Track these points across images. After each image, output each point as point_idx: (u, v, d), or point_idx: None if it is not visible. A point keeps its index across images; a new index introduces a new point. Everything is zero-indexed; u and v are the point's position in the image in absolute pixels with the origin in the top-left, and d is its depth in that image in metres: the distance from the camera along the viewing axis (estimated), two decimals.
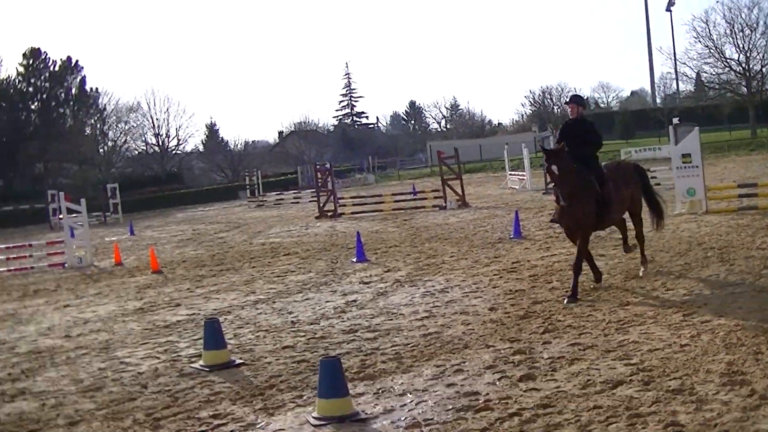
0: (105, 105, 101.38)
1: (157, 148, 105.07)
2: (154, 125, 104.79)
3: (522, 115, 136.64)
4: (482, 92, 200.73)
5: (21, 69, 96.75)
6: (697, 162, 25.39)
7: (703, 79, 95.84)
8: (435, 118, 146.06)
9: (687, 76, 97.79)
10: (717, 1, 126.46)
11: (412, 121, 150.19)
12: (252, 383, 10.79)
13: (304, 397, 9.77)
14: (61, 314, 18.43)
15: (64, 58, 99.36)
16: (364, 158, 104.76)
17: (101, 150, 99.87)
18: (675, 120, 30.49)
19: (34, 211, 67.22)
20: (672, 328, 11.43)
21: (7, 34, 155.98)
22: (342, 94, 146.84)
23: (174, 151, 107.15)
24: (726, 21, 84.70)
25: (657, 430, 7.58)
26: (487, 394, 9.18)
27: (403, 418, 8.68)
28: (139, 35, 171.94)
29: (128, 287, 21.86)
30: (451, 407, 8.85)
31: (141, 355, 13.18)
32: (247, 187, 76.03)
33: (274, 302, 17.03)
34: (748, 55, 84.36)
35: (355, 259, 22.17)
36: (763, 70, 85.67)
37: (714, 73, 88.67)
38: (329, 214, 41.29)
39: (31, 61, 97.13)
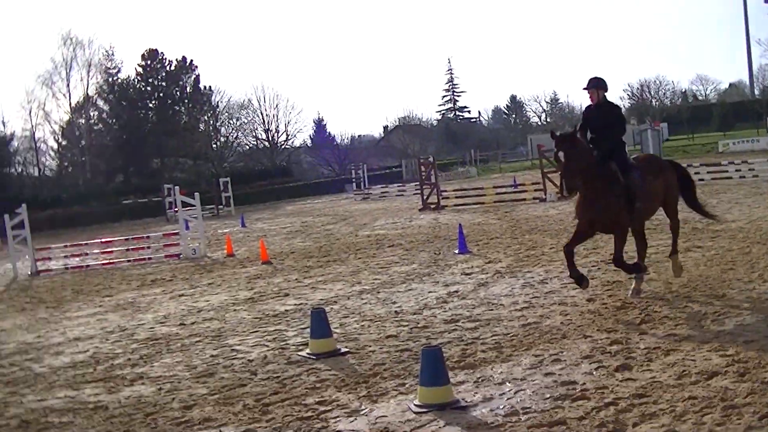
0: (218, 102, 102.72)
1: (267, 144, 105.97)
2: (264, 121, 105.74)
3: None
4: (582, 85, 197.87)
5: (140, 69, 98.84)
6: None
7: None
8: (535, 112, 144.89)
9: None
10: None
11: (513, 115, 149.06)
12: (356, 371, 10.86)
13: (407, 385, 9.79)
14: (176, 303, 18.77)
15: (180, 58, 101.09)
16: (466, 152, 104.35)
17: (214, 145, 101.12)
18: None
19: (152, 204, 68.65)
20: None
21: (127, 37, 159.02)
22: (445, 89, 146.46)
23: (283, 146, 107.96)
24: None
25: (752, 421, 7.44)
26: (584, 383, 9.11)
27: (501, 406, 8.67)
28: (250, 35, 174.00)
29: (239, 278, 22.15)
30: (548, 396, 8.80)
31: (251, 343, 13.36)
32: (353, 180, 76.49)
33: (379, 293, 17.09)
34: None
35: (457, 251, 22.11)
36: None
37: None
38: (432, 206, 41.28)
39: (149, 62, 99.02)
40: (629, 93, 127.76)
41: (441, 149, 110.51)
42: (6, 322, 19.06)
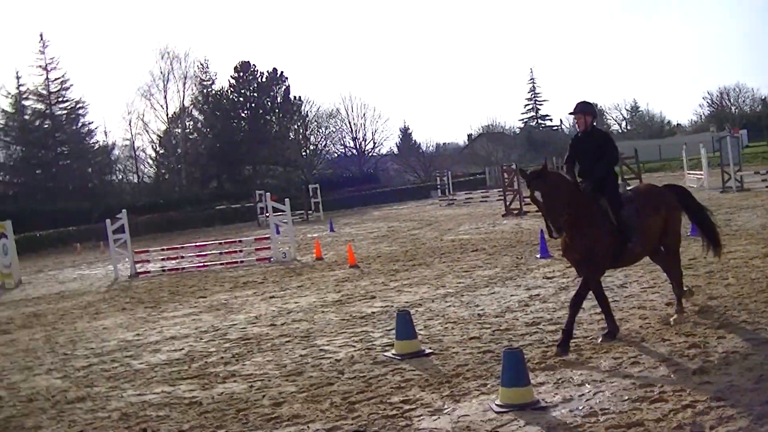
0: (307, 112, 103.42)
1: (354, 151, 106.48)
2: (351, 130, 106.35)
3: (700, 116, 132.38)
4: (661, 94, 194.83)
5: (233, 81, 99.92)
6: None
7: None
8: (615, 120, 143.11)
9: None
10: None
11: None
12: (440, 371, 10.88)
13: (488, 386, 9.79)
14: (267, 304, 18.97)
15: (270, 70, 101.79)
16: (548, 159, 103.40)
17: (304, 153, 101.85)
18: None
19: (244, 210, 69.33)
20: None
21: (220, 50, 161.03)
22: (527, 98, 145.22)
23: (370, 154, 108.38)
24: None
25: None
26: (662, 386, 9.01)
27: (581, 407, 8.62)
28: (338, 47, 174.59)
29: (327, 280, 22.30)
30: (627, 398, 8.73)
31: (338, 343, 13.46)
32: (438, 186, 76.34)
33: (462, 296, 17.09)
34: None
35: (539, 255, 21.99)
36: None
37: None
38: (515, 212, 41.08)
39: (241, 74, 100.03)
40: (709, 101, 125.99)
41: (523, 156, 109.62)
42: (107, 321, 19.47)
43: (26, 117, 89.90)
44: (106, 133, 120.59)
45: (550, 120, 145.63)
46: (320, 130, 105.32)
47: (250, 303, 19.51)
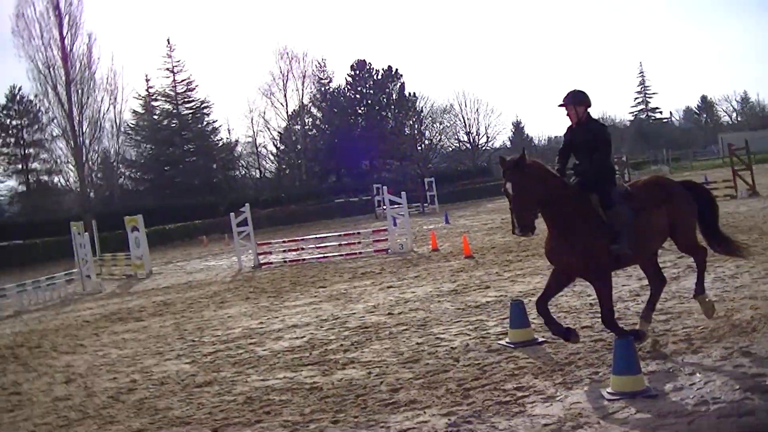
0: (422, 108, 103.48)
1: (468, 145, 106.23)
2: (465, 124, 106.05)
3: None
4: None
5: (349, 79, 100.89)
6: None
7: None
8: (726, 111, 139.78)
9: None
10: None
11: (704, 115, 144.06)
12: (552, 359, 10.84)
13: (600, 374, 9.72)
14: (384, 294, 19.10)
15: (386, 67, 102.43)
16: (658, 151, 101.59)
17: (419, 148, 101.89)
18: None
19: (362, 203, 69.86)
20: None
21: (337, 49, 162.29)
22: (637, 91, 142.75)
23: (483, 148, 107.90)
24: None
25: None
26: None
27: (691, 396, 8.49)
28: (451, 44, 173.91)
29: (443, 271, 22.34)
30: (738, 387, 8.55)
31: (454, 331, 13.49)
32: None
33: (575, 286, 16.90)
34: None
35: None
36: None
37: None
38: None
39: (357, 72, 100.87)
40: None
41: (634, 149, 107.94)
42: (232, 310, 19.88)
43: (155, 117, 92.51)
44: (229, 131, 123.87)
45: (660, 112, 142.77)
46: (435, 126, 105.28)
47: (368, 293, 19.68)
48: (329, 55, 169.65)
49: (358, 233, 34.38)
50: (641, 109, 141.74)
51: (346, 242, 32.64)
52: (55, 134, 78.50)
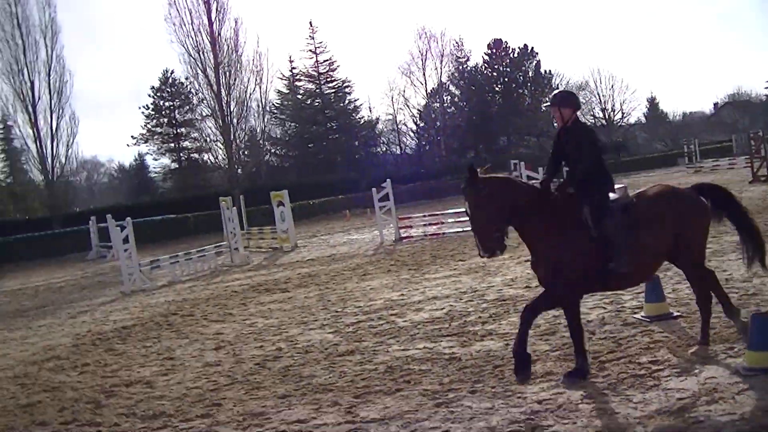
0: (557, 85, 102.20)
1: (603, 122, 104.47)
2: (600, 101, 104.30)
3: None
4: None
5: (486, 57, 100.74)
6: None
7: None
8: None
9: None
10: None
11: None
12: (687, 334, 10.65)
13: (735, 349, 9.50)
14: (522, 268, 18.96)
15: (521, 46, 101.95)
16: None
17: (555, 124, 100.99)
18: None
19: None
20: None
21: (473, 29, 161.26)
22: None
23: (619, 124, 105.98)
24: None
25: None
26: None
27: None
28: (586, 20, 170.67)
29: None
30: None
31: (590, 305, 13.28)
32: (685, 154, 74.07)
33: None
34: None
35: None
36: None
37: None
38: (762, 178, 39.18)
39: (494, 51, 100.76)
40: None
41: None
42: (374, 282, 20.13)
43: (299, 96, 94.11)
44: (370, 109, 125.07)
45: None
46: None
47: (506, 266, 19.58)
48: (466, 34, 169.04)
49: None
50: None
51: None
52: (204, 114, 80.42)
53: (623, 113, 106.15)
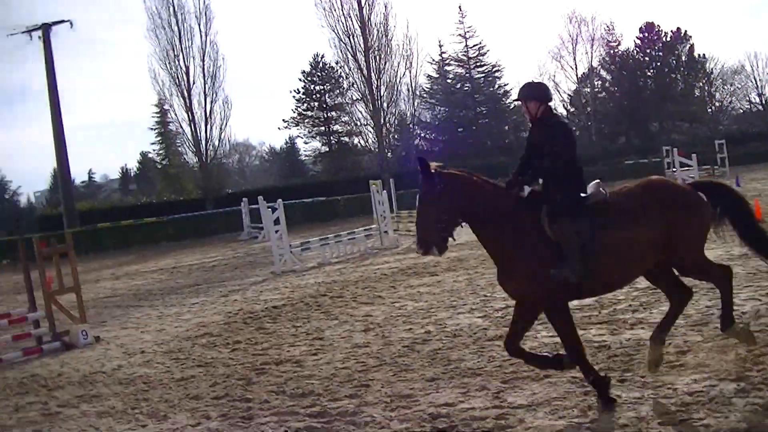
0: (711, 69, 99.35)
1: (760, 107, 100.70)
2: (756, 86, 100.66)
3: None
4: None
5: (638, 42, 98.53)
6: None
7: None
8: None
9: None
10: None
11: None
12: None
13: None
14: None
15: (674, 29, 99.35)
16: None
17: (709, 110, 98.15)
18: None
19: (651, 165, 67.82)
20: None
21: (624, 12, 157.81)
22: None
23: None
24: None
25: None
26: None
27: None
28: (742, 1, 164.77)
29: (734, 235, 21.36)
30: None
31: (743, 296, 12.84)
32: None
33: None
34: None
35: None
36: None
37: None
38: None
39: (646, 35, 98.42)
40: None
41: None
42: None
43: (448, 81, 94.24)
44: None
45: None
46: (725, 87, 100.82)
47: None
48: (617, 18, 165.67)
49: None
50: None
51: None
52: (354, 98, 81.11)
53: None
